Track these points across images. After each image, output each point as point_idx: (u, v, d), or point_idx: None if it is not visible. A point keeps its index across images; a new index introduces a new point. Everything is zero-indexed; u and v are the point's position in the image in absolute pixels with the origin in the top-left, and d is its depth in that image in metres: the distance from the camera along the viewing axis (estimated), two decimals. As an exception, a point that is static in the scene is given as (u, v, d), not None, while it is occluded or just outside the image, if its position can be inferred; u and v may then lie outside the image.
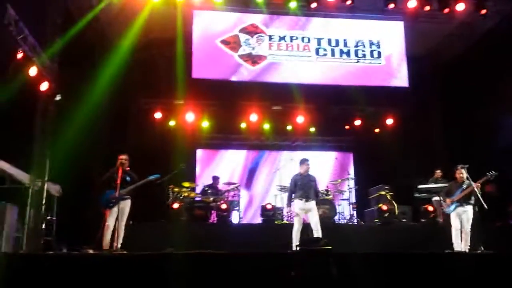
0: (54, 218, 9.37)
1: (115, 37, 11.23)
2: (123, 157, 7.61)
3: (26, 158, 8.63)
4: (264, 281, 5.48)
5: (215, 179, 11.20)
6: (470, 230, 7.75)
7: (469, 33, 12.26)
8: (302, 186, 8.14)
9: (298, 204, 8.07)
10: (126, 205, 7.48)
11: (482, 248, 7.69)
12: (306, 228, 8.27)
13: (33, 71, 8.31)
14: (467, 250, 7.61)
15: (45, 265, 5.60)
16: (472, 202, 7.86)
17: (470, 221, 7.80)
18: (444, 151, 12.91)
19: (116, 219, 7.29)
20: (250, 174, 13.59)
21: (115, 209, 7.29)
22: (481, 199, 7.64)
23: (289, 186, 8.59)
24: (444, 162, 10.77)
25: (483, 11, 11.00)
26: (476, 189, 7.71)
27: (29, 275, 5.25)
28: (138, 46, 11.23)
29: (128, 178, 7.50)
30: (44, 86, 8.72)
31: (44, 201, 8.68)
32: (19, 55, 7.94)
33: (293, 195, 8.26)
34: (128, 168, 7.66)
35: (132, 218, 7.79)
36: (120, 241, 7.28)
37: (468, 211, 7.83)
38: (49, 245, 8.84)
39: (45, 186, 8.75)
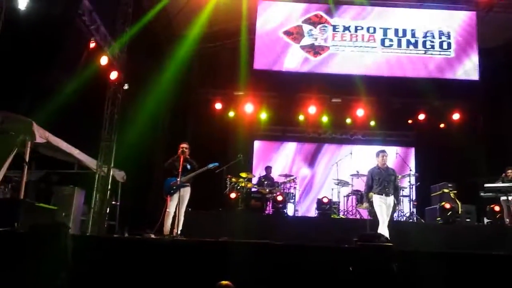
0: (118, 203, 9.82)
1: (181, 28, 11.50)
2: (184, 145, 7.75)
3: (93, 145, 9.07)
4: (322, 274, 5.42)
5: (267, 168, 11.23)
6: None
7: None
8: (381, 181, 7.65)
9: (377, 200, 7.61)
10: (186, 192, 7.64)
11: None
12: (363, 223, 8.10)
13: (104, 60, 8.69)
14: None
15: (108, 247, 5.85)
16: None
17: None
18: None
19: (177, 206, 7.45)
20: (307, 167, 13.48)
21: (176, 196, 7.46)
22: None
23: (365, 180, 8.06)
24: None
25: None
26: None
27: (93, 257, 5.48)
28: (202, 38, 11.43)
29: (188, 166, 7.65)
30: (113, 75, 9.09)
31: (109, 187, 9.09)
32: (92, 45, 8.31)
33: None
34: (189, 156, 7.81)
35: (191, 205, 7.96)
36: (180, 227, 7.45)
37: None
38: (112, 228, 9.28)
39: (111, 172, 9.16)
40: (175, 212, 7.43)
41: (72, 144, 8.44)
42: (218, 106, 12.55)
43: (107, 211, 9.02)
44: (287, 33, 11.54)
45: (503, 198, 9.34)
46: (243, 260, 5.46)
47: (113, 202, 9.58)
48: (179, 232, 7.40)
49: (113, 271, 5.30)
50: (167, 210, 7.41)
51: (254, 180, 11.11)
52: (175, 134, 10.45)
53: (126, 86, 9.27)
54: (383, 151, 7.89)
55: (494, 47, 12.75)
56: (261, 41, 11.47)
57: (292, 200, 10.59)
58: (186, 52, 10.98)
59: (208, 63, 11.98)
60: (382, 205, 7.54)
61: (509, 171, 9.68)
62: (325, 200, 10.01)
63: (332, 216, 9.82)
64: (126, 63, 9.53)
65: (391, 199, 7.64)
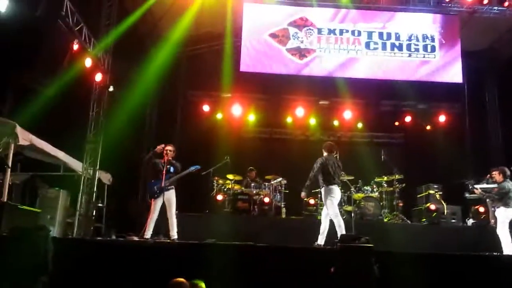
0: (104, 205, 9.78)
1: (166, 30, 11.47)
2: (169, 147, 7.68)
3: (79, 147, 9.04)
4: (303, 275, 5.46)
5: (251, 171, 11.06)
6: (503, 232, 7.52)
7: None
8: (335, 170, 7.52)
9: (337, 192, 7.49)
10: (172, 195, 7.56)
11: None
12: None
13: (88, 62, 8.65)
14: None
15: (90, 249, 5.83)
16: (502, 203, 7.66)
17: (500, 223, 7.62)
18: (502, 150, 12.30)
19: (163, 209, 7.41)
20: (294, 168, 13.46)
21: (160, 199, 7.40)
22: None
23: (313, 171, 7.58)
24: (502, 162, 10.22)
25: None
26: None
27: (75, 259, 5.45)
28: (188, 40, 11.43)
29: (172, 169, 7.59)
30: (98, 77, 9.06)
31: (95, 189, 9.04)
32: (75, 47, 8.26)
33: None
34: (171, 158, 7.68)
35: (177, 208, 7.92)
36: (175, 229, 7.38)
37: (497, 213, 7.74)
38: (99, 231, 9.24)
39: (97, 174, 9.12)
40: (166, 216, 7.38)
41: (57, 146, 8.40)
42: (206, 108, 12.58)
43: (93, 214, 8.98)
44: (273, 35, 11.56)
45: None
46: (226, 262, 5.47)
47: (100, 205, 9.54)
48: (175, 235, 7.35)
49: (94, 273, 5.29)
50: (151, 213, 7.35)
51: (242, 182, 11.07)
52: (162, 136, 10.42)
53: (111, 88, 9.24)
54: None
55: (478, 51, 12.91)
56: (247, 44, 11.45)
57: (279, 202, 10.56)
58: (172, 54, 10.98)
59: (195, 65, 11.98)
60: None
61: (494, 172, 9.78)
62: (312, 201, 10.05)
63: (318, 218, 9.79)
64: (111, 65, 9.51)
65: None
